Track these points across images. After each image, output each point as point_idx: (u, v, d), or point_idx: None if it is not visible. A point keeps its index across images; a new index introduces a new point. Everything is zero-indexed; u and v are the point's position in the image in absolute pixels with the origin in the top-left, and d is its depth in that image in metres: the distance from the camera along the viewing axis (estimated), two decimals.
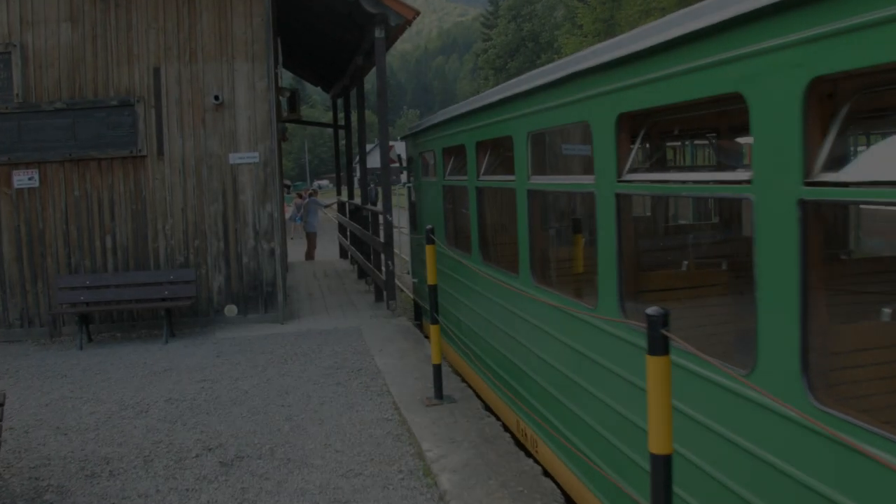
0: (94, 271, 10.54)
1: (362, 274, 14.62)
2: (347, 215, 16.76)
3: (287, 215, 38.43)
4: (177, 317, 10.64)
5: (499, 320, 6.55)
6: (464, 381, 7.72)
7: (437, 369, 6.75)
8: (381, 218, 11.03)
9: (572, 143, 6.36)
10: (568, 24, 77.24)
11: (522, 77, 5.88)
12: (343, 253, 18.64)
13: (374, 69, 14.87)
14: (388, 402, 6.99)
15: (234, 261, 10.69)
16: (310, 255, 19.98)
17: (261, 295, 10.77)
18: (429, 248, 6.82)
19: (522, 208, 5.81)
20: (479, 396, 7.10)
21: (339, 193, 19.59)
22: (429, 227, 6.91)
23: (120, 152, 10.46)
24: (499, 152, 7.58)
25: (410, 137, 11.28)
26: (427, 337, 10.70)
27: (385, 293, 11.03)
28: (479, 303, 7.28)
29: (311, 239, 20.20)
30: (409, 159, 11.68)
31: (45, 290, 10.51)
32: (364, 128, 13.30)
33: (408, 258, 14.54)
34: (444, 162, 9.02)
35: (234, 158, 10.60)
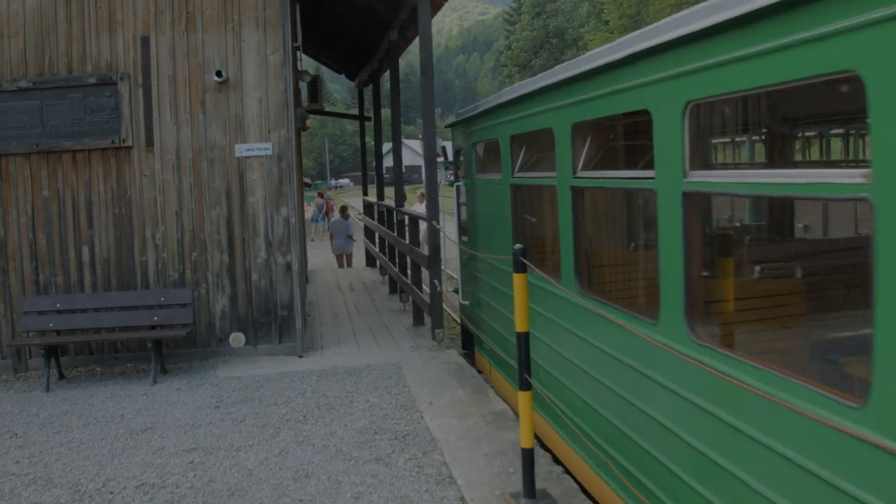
0: (67, 291, 8.46)
1: (394, 287, 12.47)
2: (376, 217, 14.61)
3: (307, 215, 36.52)
4: (170, 347, 8.54)
5: (616, 382, 4.37)
6: (556, 459, 5.51)
7: (529, 457, 4.54)
8: (423, 225, 8.88)
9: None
10: (594, 20, 76.05)
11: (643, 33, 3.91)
12: (371, 260, 16.50)
13: (410, 48, 12.77)
14: (452, 496, 4.81)
15: (240, 278, 8.57)
16: (341, 265, 17.90)
17: (274, 321, 8.64)
18: (518, 279, 4.61)
19: (672, 220, 3.66)
20: (586, 490, 4.90)
21: (365, 193, 17.46)
22: (517, 247, 4.67)
23: (99, 142, 8.37)
24: (610, 139, 5.43)
25: (460, 126, 9.11)
26: (479, 370, 8.54)
27: (430, 320, 8.84)
28: (578, 352, 5.09)
29: (339, 259, 18.07)
30: (458, 152, 9.52)
31: (8, 314, 8.45)
32: (399, 113, 11.19)
33: (454, 273, 12.41)
34: (513, 154, 6.84)
35: (241, 150, 8.47)
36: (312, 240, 32.29)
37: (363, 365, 8.08)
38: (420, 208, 20.22)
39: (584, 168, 5.24)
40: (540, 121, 5.93)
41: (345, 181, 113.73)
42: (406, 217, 10.15)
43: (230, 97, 8.45)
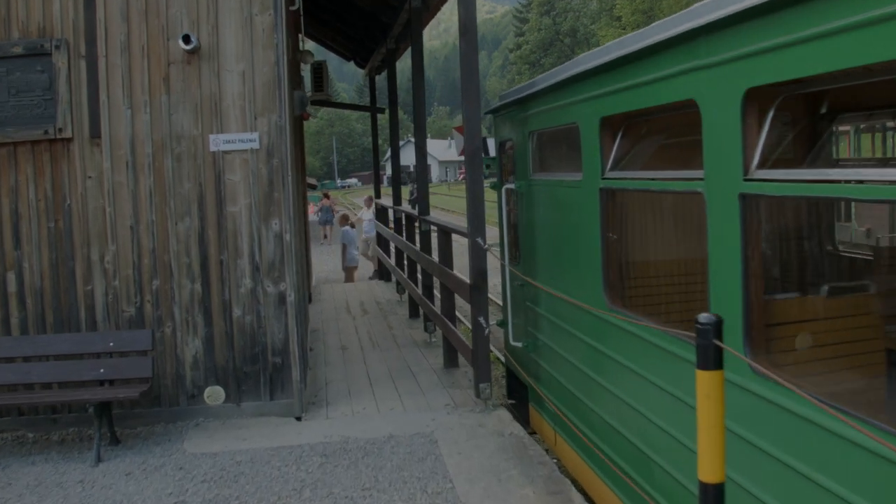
0: None
1: (415, 308, 10.29)
2: (391, 224, 12.43)
3: (311, 216, 34.42)
4: (126, 406, 6.39)
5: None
6: None
7: None
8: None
9: None
10: (605, 16, 74.54)
11: None
12: (386, 273, 14.32)
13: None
14: None
15: (218, 314, 6.41)
16: (350, 279, 15.84)
17: (263, 370, 6.48)
18: (710, 381, 2.38)
19: None
20: None
21: (377, 195, 15.29)
22: (706, 319, 2.41)
23: (28, 133, 6.23)
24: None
25: (507, 111, 6.94)
26: (533, 430, 6.36)
27: (473, 372, 6.63)
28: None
29: (349, 273, 16.04)
30: (502, 145, 7.35)
31: None
32: (423, 97, 8.99)
33: (498, 299, 10.27)
34: (603, 144, 4.67)
35: (218, 143, 6.32)
36: (322, 244, 30.24)
37: (384, 436, 5.89)
38: (366, 214, 18.01)
39: (767, 165, 3.10)
40: (666, 91, 3.76)
41: (352, 181, 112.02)
42: (434, 229, 7.95)
43: (203, 71, 6.29)
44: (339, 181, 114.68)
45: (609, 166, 4.63)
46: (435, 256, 8.00)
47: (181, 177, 6.32)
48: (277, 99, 6.30)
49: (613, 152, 4.63)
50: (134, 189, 6.31)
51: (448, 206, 53.14)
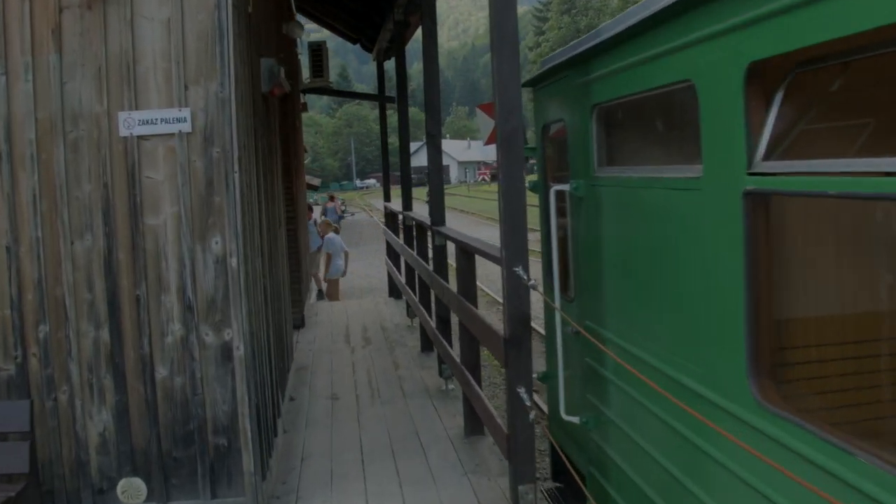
0: None
1: (429, 341, 8.22)
2: (401, 235, 10.38)
3: (312, 219, 32.52)
4: None
5: None
6: None
7: None
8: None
9: None
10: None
11: None
12: (394, 289, 12.27)
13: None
14: None
15: (134, 374, 4.38)
16: (332, 297, 13.92)
17: (202, 455, 4.44)
18: None
19: None
20: None
21: (386, 198, 13.26)
22: None
23: None
24: None
25: (554, 80, 4.89)
26: None
27: (513, 470, 4.45)
28: None
29: (332, 286, 14.15)
30: (546, 129, 5.30)
31: None
32: (436, 76, 6.94)
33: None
34: (750, 115, 2.57)
35: (131, 124, 4.29)
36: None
37: None
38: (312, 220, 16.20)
39: None
40: None
41: (371, 181, 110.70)
42: (453, 244, 5.81)
43: (110, 20, 4.27)
44: (357, 182, 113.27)
45: (761, 152, 2.54)
46: (453, 284, 5.91)
47: (79, 175, 4.30)
48: (218, 59, 4.27)
49: (770, 127, 2.54)
50: (10, 193, 4.30)
51: (466, 208, 51.04)
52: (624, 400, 4.00)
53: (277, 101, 7.32)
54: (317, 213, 36.72)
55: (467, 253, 5.33)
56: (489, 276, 16.80)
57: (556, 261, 4.47)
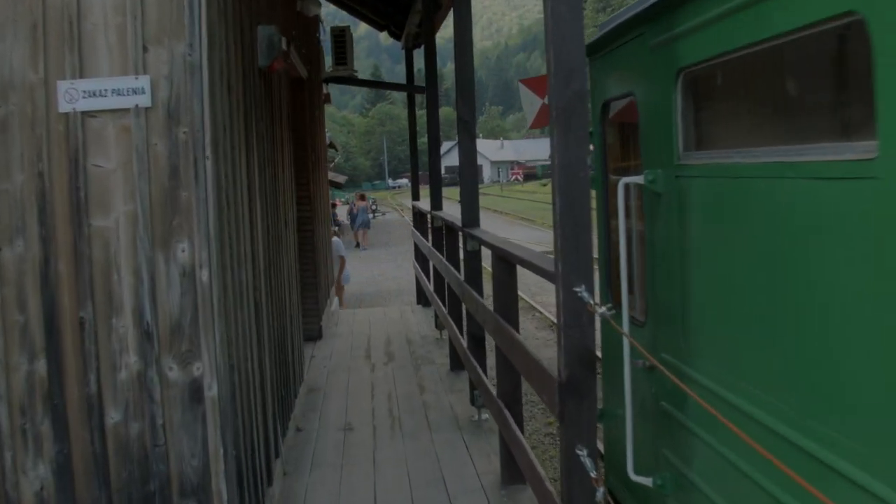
0: None
1: (458, 360, 7.17)
2: (430, 238, 9.36)
3: (345, 219, 31.54)
4: None
5: None
6: None
7: None
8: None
9: None
10: None
11: None
12: (422, 295, 11.26)
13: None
14: None
15: (79, 419, 3.41)
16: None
17: None
18: None
19: None
20: None
21: (415, 197, 12.26)
22: None
23: None
24: None
25: (619, 45, 3.84)
26: None
27: None
28: None
29: (339, 292, 13.26)
30: (607, 107, 4.25)
31: None
32: (470, 51, 5.89)
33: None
34: None
35: (75, 96, 3.31)
36: (357, 246, 27.43)
37: None
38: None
39: None
40: None
41: (403, 181, 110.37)
42: (497, 252, 4.69)
43: None
44: (389, 181, 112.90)
45: None
46: (489, 300, 4.85)
47: (8, 162, 3.34)
48: (187, 12, 3.28)
49: None
50: None
51: (500, 208, 49.90)
52: (715, 461, 2.96)
53: (285, 82, 6.34)
54: (342, 212, 35.89)
55: (508, 263, 4.27)
56: (521, 278, 15.73)
57: (625, 274, 3.40)
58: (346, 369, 7.66)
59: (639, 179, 3.38)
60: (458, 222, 6.19)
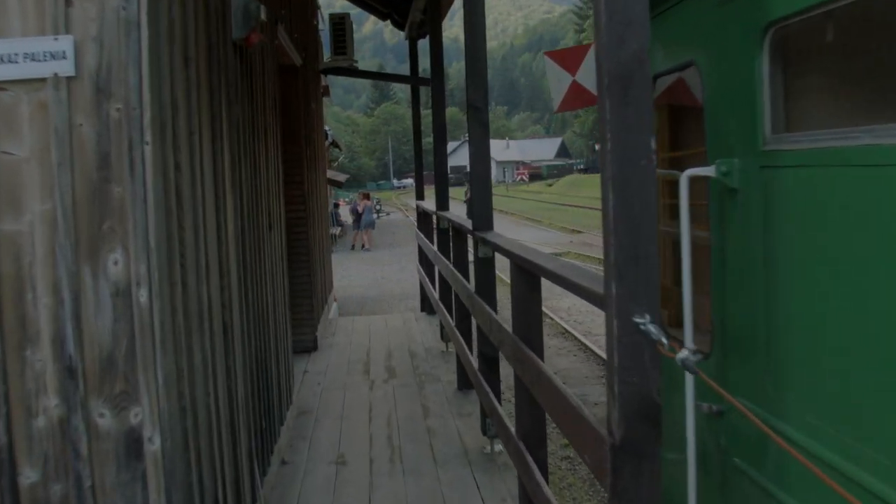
0: None
1: (466, 378, 6.37)
2: (435, 241, 8.61)
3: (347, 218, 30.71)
4: None
5: None
6: None
7: None
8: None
9: None
10: None
11: None
12: (427, 302, 10.50)
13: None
14: None
15: None
16: None
17: None
18: None
19: None
20: None
21: (419, 196, 11.50)
22: None
23: None
24: None
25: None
26: None
27: None
28: None
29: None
30: (654, 82, 3.46)
31: None
32: (482, 29, 5.11)
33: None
34: None
35: None
36: (364, 247, 26.69)
37: None
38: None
39: None
40: None
41: (408, 181, 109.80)
42: (516, 264, 3.88)
43: None
44: (394, 181, 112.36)
45: None
46: (506, 319, 4.07)
47: None
48: None
49: None
50: None
51: (506, 208, 49.10)
52: None
53: (272, 65, 5.59)
54: (344, 212, 35.12)
55: (531, 275, 3.49)
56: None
57: (689, 293, 2.64)
58: (341, 387, 6.90)
59: (708, 171, 2.61)
60: (468, 224, 5.42)
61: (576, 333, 11.51)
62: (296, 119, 7.99)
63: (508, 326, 3.86)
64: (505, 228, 31.22)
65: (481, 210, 5.03)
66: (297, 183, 7.96)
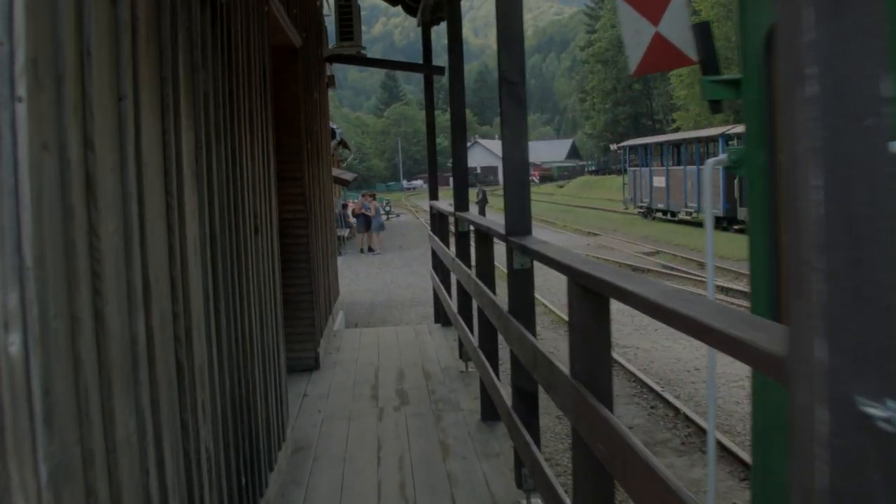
0: None
1: (490, 407, 5.38)
2: (452, 246, 7.64)
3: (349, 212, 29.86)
4: None
5: None
6: None
7: None
8: None
9: None
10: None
11: None
12: (441, 312, 9.54)
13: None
14: None
15: None
16: None
17: None
18: None
19: None
20: None
21: (433, 196, 10.54)
22: None
23: None
24: None
25: None
26: None
27: None
28: None
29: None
30: (771, 40, 2.45)
31: None
32: (518, 7, 4.17)
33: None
34: None
35: None
36: (373, 250, 25.75)
37: None
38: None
39: None
40: None
41: (418, 182, 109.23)
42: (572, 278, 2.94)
43: None
44: (404, 182, 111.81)
45: None
46: (558, 357, 3.12)
47: None
48: None
49: None
50: None
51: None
52: None
53: (258, 33, 4.63)
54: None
55: (600, 297, 2.52)
56: (546, 282, 14.01)
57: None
58: (345, 416, 5.94)
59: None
60: (498, 228, 4.45)
61: (631, 368, 10.50)
62: (294, 107, 7.06)
63: (560, 364, 2.89)
64: None
65: (517, 210, 4.05)
66: (295, 179, 7.03)
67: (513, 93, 3.97)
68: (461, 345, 7.22)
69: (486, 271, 5.43)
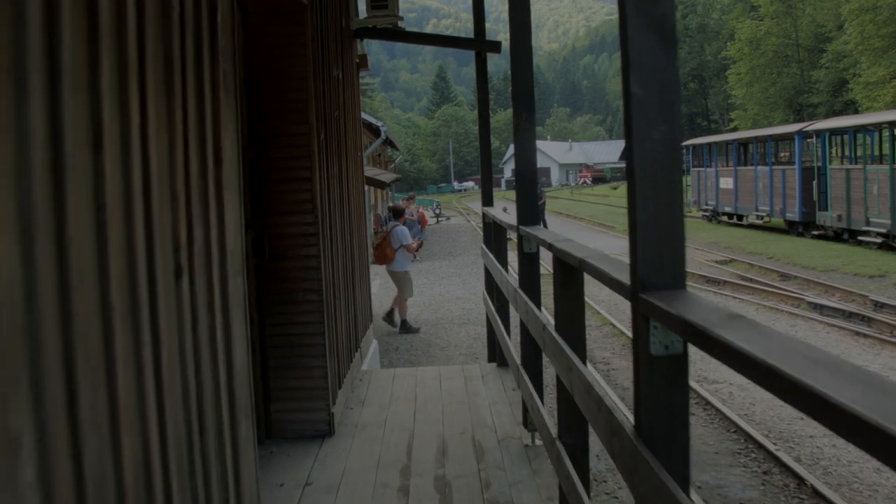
0: None
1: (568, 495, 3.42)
2: (516, 273, 5.64)
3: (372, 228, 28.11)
4: None
5: None
6: None
7: None
8: None
9: None
10: (740, 6, 70.10)
11: None
12: (495, 347, 7.56)
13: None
14: None
15: None
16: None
17: None
18: None
19: None
20: None
21: (487, 202, 8.56)
22: None
23: None
24: None
25: None
26: None
27: None
28: None
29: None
30: None
31: None
32: None
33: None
34: None
35: None
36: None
37: None
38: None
39: None
40: None
41: (469, 184, 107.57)
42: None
43: None
44: (455, 184, 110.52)
45: None
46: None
47: None
48: None
49: None
50: None
51: (571, 212, 45.72)
52: None
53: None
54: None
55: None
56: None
57: None
58: None
59: None
60: (621, 276, 2.47)
61: (730, 414, 8.49)
62: (300, 87, 5.18)
63: None
64: (580, 236, 28.10)
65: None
66: (301, 180, 5.16)
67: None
68: (525, 407, 5.25)
69: (567, 313, 3.43)
